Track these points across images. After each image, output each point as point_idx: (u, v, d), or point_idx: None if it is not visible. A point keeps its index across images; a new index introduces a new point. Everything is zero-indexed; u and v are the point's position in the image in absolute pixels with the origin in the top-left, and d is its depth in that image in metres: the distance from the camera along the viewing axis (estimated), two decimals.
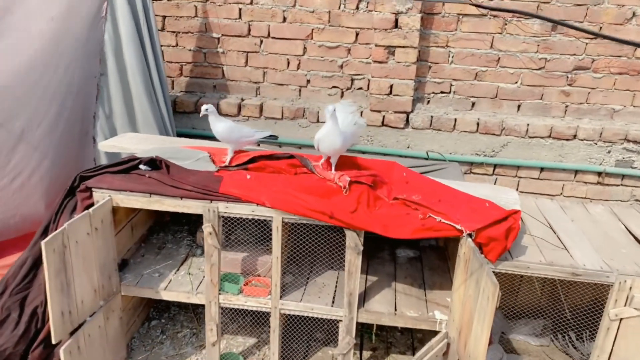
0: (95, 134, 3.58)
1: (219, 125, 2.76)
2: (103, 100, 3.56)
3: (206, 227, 2.52)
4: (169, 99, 3.86)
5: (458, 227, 2.33)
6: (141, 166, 2.65)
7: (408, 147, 4.14)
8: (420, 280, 2.96)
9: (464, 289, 2.35)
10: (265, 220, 2.63)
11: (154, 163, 2.69)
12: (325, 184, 2.58)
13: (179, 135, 4.28)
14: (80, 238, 2.38)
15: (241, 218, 2.55)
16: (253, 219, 2.55)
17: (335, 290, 2.81)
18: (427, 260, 3.18)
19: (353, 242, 2.47)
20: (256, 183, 2.58)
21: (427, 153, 3.68)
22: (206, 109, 2.74)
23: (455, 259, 2.53)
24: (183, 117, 4.29)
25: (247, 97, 4.33)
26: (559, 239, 2.60)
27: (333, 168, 2.73)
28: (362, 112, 4.02)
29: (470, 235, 2.33)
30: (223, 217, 2.55)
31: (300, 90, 4.28)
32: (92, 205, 2.55)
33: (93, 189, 2.58)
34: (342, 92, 4.24)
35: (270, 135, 2.93)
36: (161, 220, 3.46)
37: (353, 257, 2.51)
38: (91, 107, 3.54)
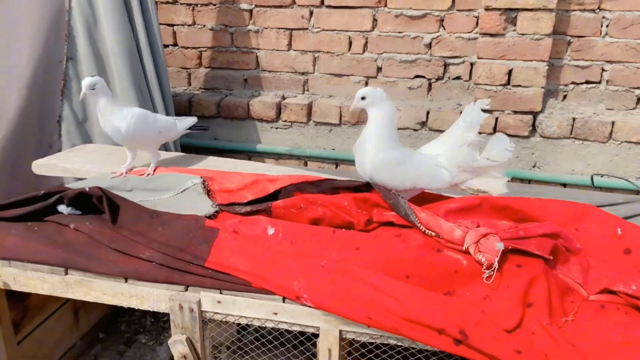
0: (60, 145, 2.41)
1: (118, 113, 1.67)
2: (71, 97, 2.38)
3: (177, 344, 1.18)
4: (169, 96, 2.61)
5: None
6: (61, 207, 1.36)
7: (534, 166, 2.69)
8: None
9: None
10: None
11: (89, 201, 1.38)
12: (439, 254, 1.18)
13: (194, 150, 3.01)
14: None
15: (250, 324, 1.19)
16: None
17: None
18: None
19: None
20: (286, 247, 1.22)
21: (591, 178, 2.18)
22: (93, 86, 1.52)
23: None
24: (202, 123, 3.02)
25: (290, 94, 3.03)
26: None
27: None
28: (495, 126, 2.59)
29: None
30: (211, 320, 1.20)
31: (367, 83, 2.93)
32: None
33: None
34: (430, 84, 2.85)
35: (199, 126, 1.96)
36: None
37: None
38: (54, 106, 2.39)
